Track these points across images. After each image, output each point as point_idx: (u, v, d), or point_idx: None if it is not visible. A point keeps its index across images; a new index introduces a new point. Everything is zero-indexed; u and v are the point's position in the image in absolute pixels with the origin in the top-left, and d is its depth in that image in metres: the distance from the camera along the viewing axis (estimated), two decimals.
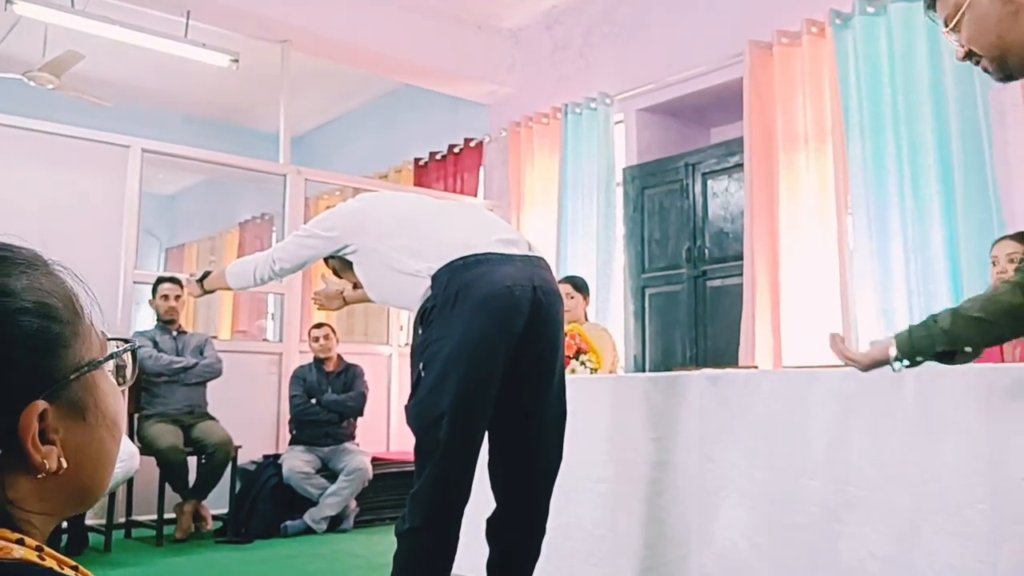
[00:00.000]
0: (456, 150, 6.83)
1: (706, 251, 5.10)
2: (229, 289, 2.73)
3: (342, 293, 2.79)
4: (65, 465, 0.63)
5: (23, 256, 0.66)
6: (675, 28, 5.33)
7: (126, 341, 0.74)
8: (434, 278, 2.14)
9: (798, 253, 4.47)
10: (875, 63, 4.19)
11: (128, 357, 0.75)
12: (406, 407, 2.18)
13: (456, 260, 2.13)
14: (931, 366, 1.67)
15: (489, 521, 2.32)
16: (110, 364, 0.72)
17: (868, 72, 4.20)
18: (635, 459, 2.81)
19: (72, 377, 0.64)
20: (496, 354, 2.10)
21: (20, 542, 0.60)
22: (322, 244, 2.44)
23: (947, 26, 1.40)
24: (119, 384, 0.74)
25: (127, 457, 4.05)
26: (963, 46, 1.39)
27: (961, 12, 1.37)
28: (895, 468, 2.16)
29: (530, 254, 2.25)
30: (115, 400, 0.70)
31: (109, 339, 0.72)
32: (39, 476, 0.62)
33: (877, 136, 4.15)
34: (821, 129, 4.44)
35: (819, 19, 4.44)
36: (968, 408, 2.02)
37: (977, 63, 1.41)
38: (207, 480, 4.51)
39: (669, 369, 4.69)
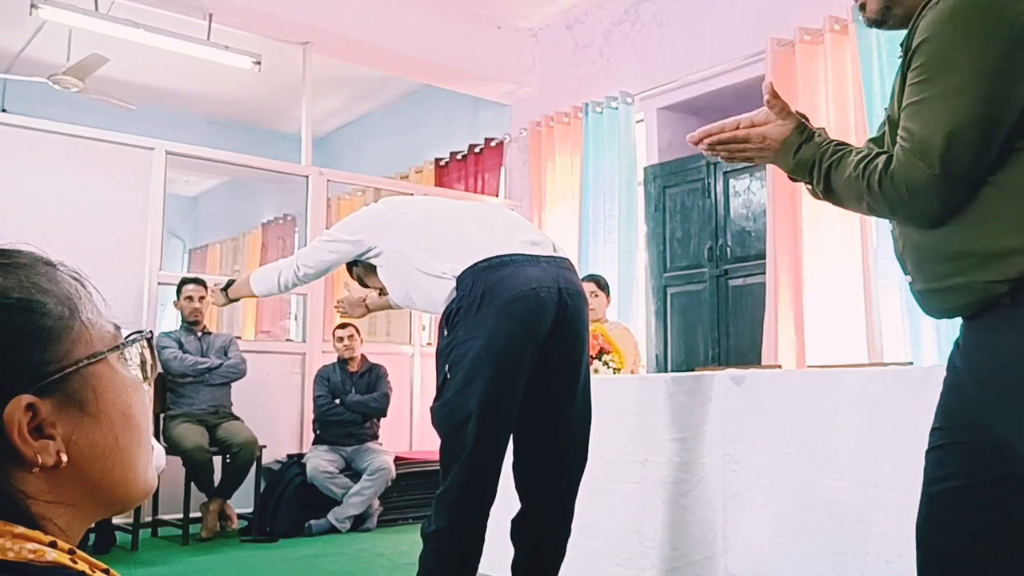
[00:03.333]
0: (477, 150, 6.84)
1: (728, 250, 5.08)
2: (254, 296, 2.76)
3: (365, 301, 2.82)
4: (65, 459, 0.63)
5: (18, 258, 0.67)
6: (696, 26, 5.31)
7: (141, 334, 0.73)
8: (459, 280, 2.15)
9: (821, 252, 4.44)
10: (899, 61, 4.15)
11: (148, 353, 0.75)
12: (432, 409, 2.19)
13: (481, 261, 2.14)
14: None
15: (514, 522, 2.33)
16: (135, 361, 0.73)
17: (892, 70, 4.16)
18: (659, 459, 2.81)
19: (64, 371, 0.64)
20: (522, 356, 2.11)
21: (53, 545, 0.61)
22: (347, 248, 2.45)
23: None
24: (143, 379, 0.73)
25: (154, 455, 4.08)
26: None
27: None
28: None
29: (555, 255, 2.25)
30: (127, 395, 0.70)
31: (129, 335, 0.72)
32: (34, 470, 0.62)
33: None
34: (844, 127, 4.41)
35: (842, 16, 4.40)
36: None
37: None
38: (232, 480, 4.55)
39: (691, 369, 4.67)
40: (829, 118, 4.47)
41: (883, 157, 1.32)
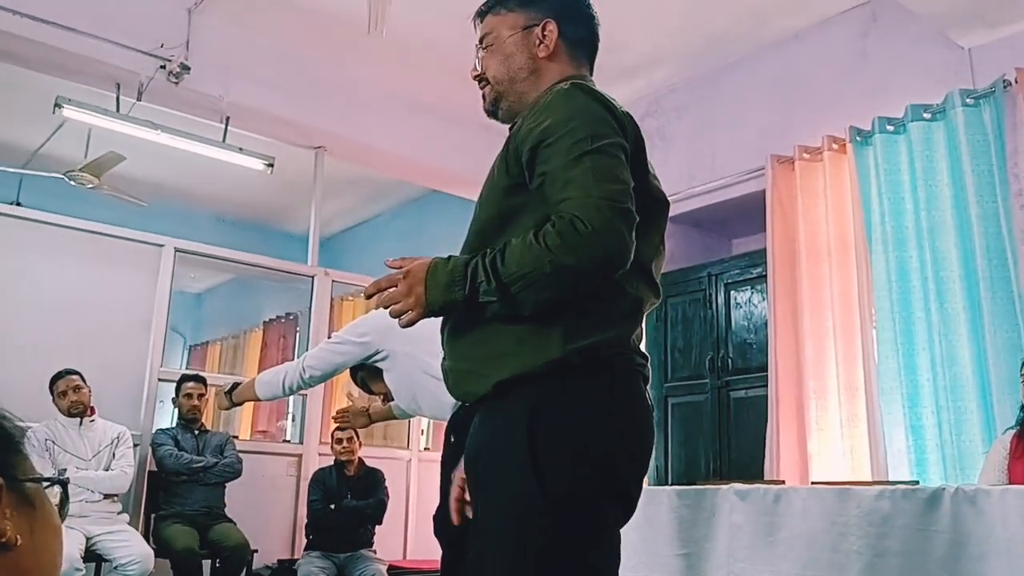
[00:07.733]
0: None
1: (729, 361, 5.09)
2: (258, 400, 2.75)
3: (367, 410, 2.81)
4: (19, 542, 0.70)
5: None
6: (699, 142, 5.46)
7: (60, 482, 0.82)
8: None
9: (822, 365, 4.45)
10: (896, 179, 4.26)
11: (59, 496, 0.82)
12: (434, 517, 2.16)
13: None
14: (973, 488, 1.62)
15: None
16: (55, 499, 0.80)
17: (889, 188, 4.27)
18: None
19: (24, 479, 0.74)
20: None
21: None
22: (354, 350, 2.46)
23: (480, 44, 1.62)
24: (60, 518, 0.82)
25: (142, 559, 4.01)
26: (477, 70, 1.63)
27: (490, 38, 1.60)
28: None
29: None
30: (57, 519, 0.79)
31: (45, 478, 0.80)
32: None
33: (900, 250, 4.19)
34: (844, 242, 4.49)
35: (839, 136, 4.54)
36: (1013, 529, 1.98)
37: (483, 88, 1.62)
38: None
39: (692, 481, 4.60)
40: (828, 232, 4.56)
41: (548, 224, 1.36)
